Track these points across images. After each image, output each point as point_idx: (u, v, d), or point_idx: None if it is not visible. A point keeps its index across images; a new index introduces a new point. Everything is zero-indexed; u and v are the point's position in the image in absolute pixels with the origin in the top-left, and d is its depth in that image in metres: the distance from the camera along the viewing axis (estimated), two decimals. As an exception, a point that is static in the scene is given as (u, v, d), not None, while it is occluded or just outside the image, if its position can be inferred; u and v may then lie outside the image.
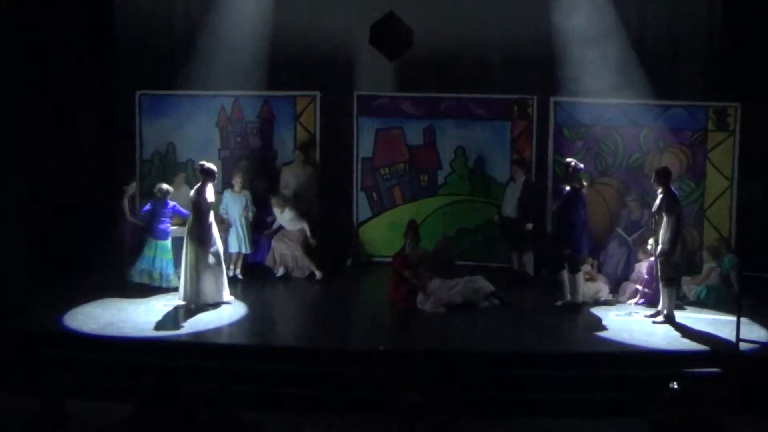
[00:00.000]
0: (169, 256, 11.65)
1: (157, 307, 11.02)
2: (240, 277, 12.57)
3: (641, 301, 11.44)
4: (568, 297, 11.24)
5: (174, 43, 13.83)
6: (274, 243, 12.72)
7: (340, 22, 13.58)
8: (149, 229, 11.68)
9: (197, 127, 13.41)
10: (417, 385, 8.00)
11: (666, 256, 10.49)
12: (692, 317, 10.89)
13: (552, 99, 13.00)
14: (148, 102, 13.30)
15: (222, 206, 12.55)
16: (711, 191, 12.74)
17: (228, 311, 10.88)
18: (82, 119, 12.73)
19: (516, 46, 13.45)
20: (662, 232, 10.50)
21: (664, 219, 10.48)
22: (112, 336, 9.93)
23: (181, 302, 10.96)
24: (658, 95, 13.03)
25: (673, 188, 10.66)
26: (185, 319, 10.53)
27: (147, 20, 13.55)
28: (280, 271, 12.70)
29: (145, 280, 11.65)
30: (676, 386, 7.16)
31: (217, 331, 10.20)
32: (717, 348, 9.76)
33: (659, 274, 10.68)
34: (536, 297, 11.72)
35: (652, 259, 11.52)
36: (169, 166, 13.10)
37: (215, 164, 13.14)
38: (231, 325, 10.39)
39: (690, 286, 11.69)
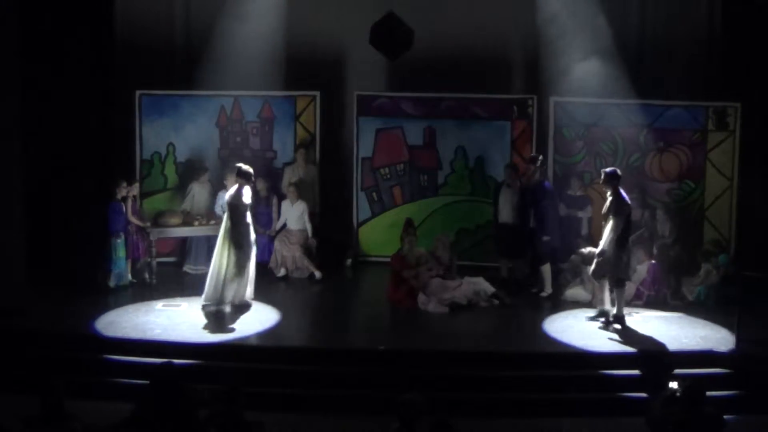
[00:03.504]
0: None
1: (157, 307, 11.02)
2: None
3: (641, 301, 11.46)
4: (549, 289, 11.66)
5: (174, 43, 13.82)
6: (276, 244, 12.70)
7: (340, 22, 13.57)
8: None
9: (197, 127, 13.42)
10: (417, 385, 8.01)
11: (612, 257, 10.36)
12: (692, 317, 10.90)
13: (552, 99, 12.99)
14: (148, 102, 13.31)
15: (217, 207, 12.57)
16: (711, 191, 12.76)
17: (228, 312, 10.88)
18: (82, 119, 12.72)
19: (516, 46, 13.46)
20: (606, 234, 10.42)
21: (611, 221, 10.39)
22: (113, 336, 9.94)
23: (208, 304, 10.88)
24: (658, 95, 13.05)
25: (621, 191, 10.50)
26: (184, 319, 10.53)
27: (147, 20, 13.54)
28: (281, 272, 12.69)
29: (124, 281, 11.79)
30: (676, 386, 7.17)
31: (217, 331, 10.19)
32: (717, 348, 9.76)
33: (609, 276, 10.50)
34: (536, 298, 11.72)
35: (653, 260, 11.61)
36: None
37: (215, 164, 13.26)
38: (231, 326, 10.38)
39: (690, 287, 11.69)
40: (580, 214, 12.32)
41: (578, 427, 8.76)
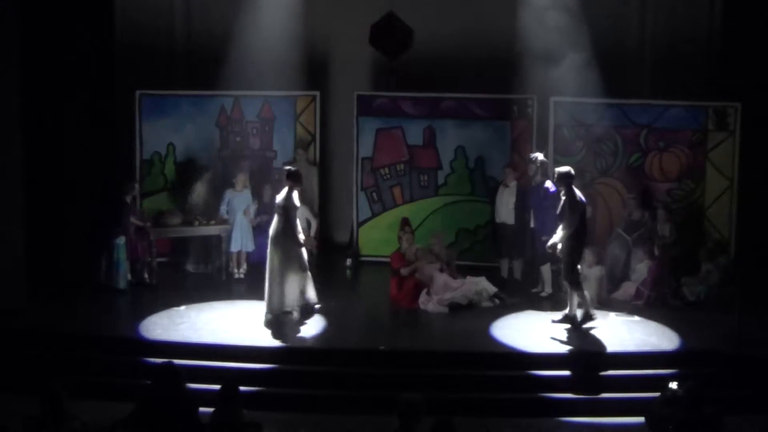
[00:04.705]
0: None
1: (159, 307, 11.03)
2: (242, 276, 12.57)
3: (641, 301, 11.47)
4: (549, 289, 11.70)
5: (174, 43, 13.83)
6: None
7: (340, 22, 13.58)
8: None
9: (197, 127, 13.42)
10: (417, 385, 8.03)
11: (565, 255, 10.31)
12: (692, 317, 10.90)
13: (552, 99, 12.97)
14: (148, 102, 13.31)
15: (223, 205, 12.57)
16: (711, 191, 12.75)
17: (228, 312, 10.87)
18: (82, 119, 12.73)
19: (516, 46, 13.44)
20: (559, 231, 10.35)
21: (565, 219, 10.31)
22: (113, 336, 9.95)
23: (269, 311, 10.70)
24: (658, 95, 13.03)
25: (576, 189, 10.43)
26: (182, 320, 10.53)
27: (147, 20, 13.56)
28: (282, 272, 12.68)
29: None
30: (676, 386, 7.17)
31: (217, 331, 10.19)
32: (717, 348, 9.77)
33: (563, 274, 10.53)
34: (536, 298, 11.72)
35: (653, 260, 11.61)
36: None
37: (216, 164, 13.26)
38: (231, 326, 10.37)
39: (690, 287, 11.69)
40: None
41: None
